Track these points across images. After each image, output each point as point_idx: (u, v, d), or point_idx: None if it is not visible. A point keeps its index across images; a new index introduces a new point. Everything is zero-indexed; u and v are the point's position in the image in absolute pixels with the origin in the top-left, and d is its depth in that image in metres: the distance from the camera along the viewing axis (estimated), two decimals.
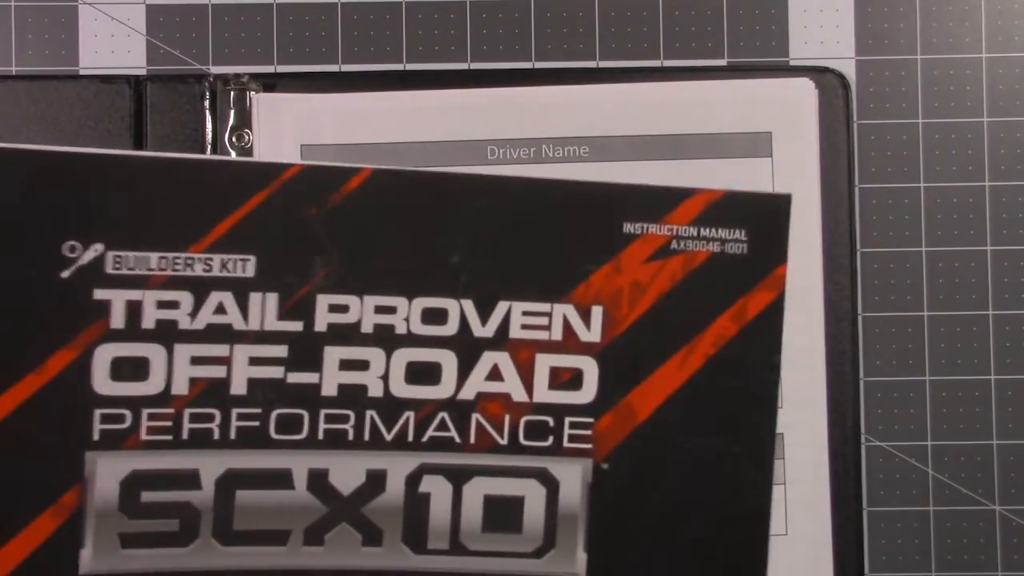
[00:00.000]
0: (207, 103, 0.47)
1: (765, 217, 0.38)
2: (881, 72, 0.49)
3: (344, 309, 0.37)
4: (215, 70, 0.49)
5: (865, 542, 0.48)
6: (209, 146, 0.47)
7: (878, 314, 0.49)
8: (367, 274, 0.37)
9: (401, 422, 0.37)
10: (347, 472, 0.37)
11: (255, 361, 0.37)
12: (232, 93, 0.47)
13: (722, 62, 0.49)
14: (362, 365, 0.37)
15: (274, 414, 0.37)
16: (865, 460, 0.48)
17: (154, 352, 0.36)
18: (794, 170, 0.47)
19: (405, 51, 0.49)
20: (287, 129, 0.47)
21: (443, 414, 0.37)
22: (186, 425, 0.37)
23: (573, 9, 0.49)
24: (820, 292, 0.47)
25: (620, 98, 0.48)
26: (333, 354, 0.37)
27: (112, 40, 0.49)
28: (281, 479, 0.37)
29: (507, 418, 0.37)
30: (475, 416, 0.37)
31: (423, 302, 0.37)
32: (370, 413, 0.37)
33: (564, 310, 0.37)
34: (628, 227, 0.38)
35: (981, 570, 0.48)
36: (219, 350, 0.37)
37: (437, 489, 0.37)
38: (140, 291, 0.36)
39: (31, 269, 0.36)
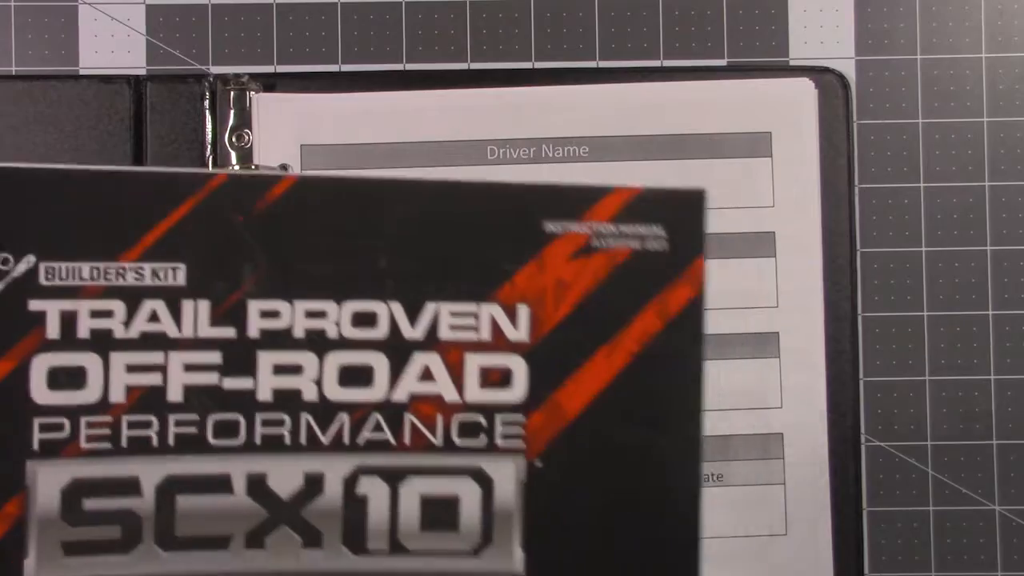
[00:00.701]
0: (207, 103, 0.47)
1: (682, 213, 0.38)
2: (881, 72, 0.49)
3: (275, 315, 0.37)
4: (215, 70, 0.49)
5: (865, 542, 0.48)
6: (209, 146, 0.47)
7: (878, 314, 0.49)
8: (296, 279, 0.37)
9: (336, 425, 0.38)
10: (285, 476, 0.38)
11: (190, 368, 0.37)
12: (232, 93, 0.47)
13: (722, 62, 0.49)
14: (295, 369, 0.38)
15: (211, 420, 0.37)
16: (865, 460, 0.48)
17: (90, 361, 0.37)
18: (794, 170, 0.47)
19: (405, 51, 0.49)
20: (287, 129, 0.47)
21: (377, 416, 0.38)
22: (124, 433, 0.37)
23: (573, 9, 0.49)
24: (820, 292, 0.47)
25: (620, 98, 0.48)
26: (267, 359, 0.37)
27: (112, 40, 0.49)
28: (220, 484, 0.38)
29: (440, 418, 0.38)
30: (409, 417, 0.38)
31: (352, 306, 0.38)
32: (305, 417, 0.38)
33: (491, 310, 0.38)
34: (549, 226, 0.38)
35: (981, 570, 0.48)
36: (154, 358, 0.37)
37: (374, 490, 0.38)
38: (74, 301, 0.37)
39: None
